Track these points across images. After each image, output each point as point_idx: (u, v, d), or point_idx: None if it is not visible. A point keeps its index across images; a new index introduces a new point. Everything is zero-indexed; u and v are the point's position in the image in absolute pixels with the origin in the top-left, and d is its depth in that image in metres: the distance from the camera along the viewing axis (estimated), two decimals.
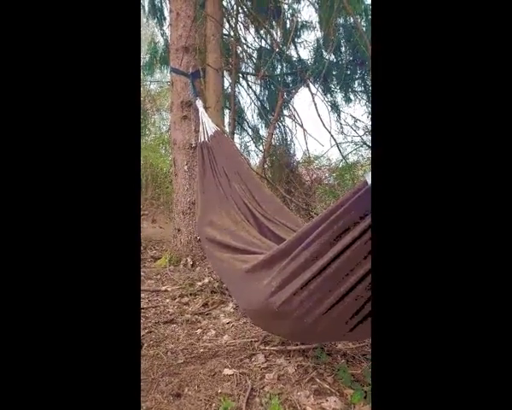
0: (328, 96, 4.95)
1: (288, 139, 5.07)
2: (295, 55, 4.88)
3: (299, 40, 4.84)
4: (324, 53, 4.64)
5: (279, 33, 4.63)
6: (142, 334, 1.88)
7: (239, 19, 4.52)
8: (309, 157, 5.36)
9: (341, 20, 4.37)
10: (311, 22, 4.79)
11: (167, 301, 2.45)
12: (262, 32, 4.81)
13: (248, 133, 5.43)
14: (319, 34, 4.72)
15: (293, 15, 4.71)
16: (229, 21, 4.51)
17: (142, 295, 2.57)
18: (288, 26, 4.66)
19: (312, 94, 4.30)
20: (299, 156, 5.44)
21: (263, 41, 4.88)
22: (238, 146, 4.87)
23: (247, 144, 5.46)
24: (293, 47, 4.77)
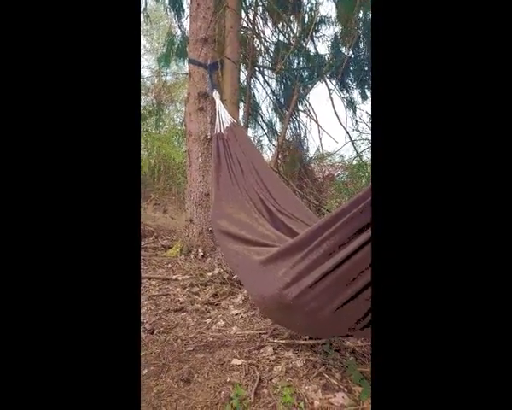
0: (345, 92, 4.89)
1: (302, 135, 5.05)
2: (313, 50, 4.83)
3: (318, 35, 4.78)
4: (342, 48, 4.57)
5: (297, 27, 4.58)
6: (153, 320, 1.92)
7: (258, 12, 4.49)
8: (322, 154, 5.33)
9: (361, 15, 4.29)
10: (330, 17, 4.73)
11: (178, 289, 2.48)
12: (280, 25, 4.77)
13: (262, 127, 5.42)
14: (337, 29, 4.66)
15: (312, 10, 4.65)
16: (247, 14, 4.49)
17: (153, 282, 2.61)
18: (306, 20, 4.61)
19: (329, 89, 4.27)
20: (312, 152, 5.41)
21: (281, 35, 4.85)
22: (252, 140, 4.86)
23: (261, 138, 5.45)
24: (310, 42, 4.72)
